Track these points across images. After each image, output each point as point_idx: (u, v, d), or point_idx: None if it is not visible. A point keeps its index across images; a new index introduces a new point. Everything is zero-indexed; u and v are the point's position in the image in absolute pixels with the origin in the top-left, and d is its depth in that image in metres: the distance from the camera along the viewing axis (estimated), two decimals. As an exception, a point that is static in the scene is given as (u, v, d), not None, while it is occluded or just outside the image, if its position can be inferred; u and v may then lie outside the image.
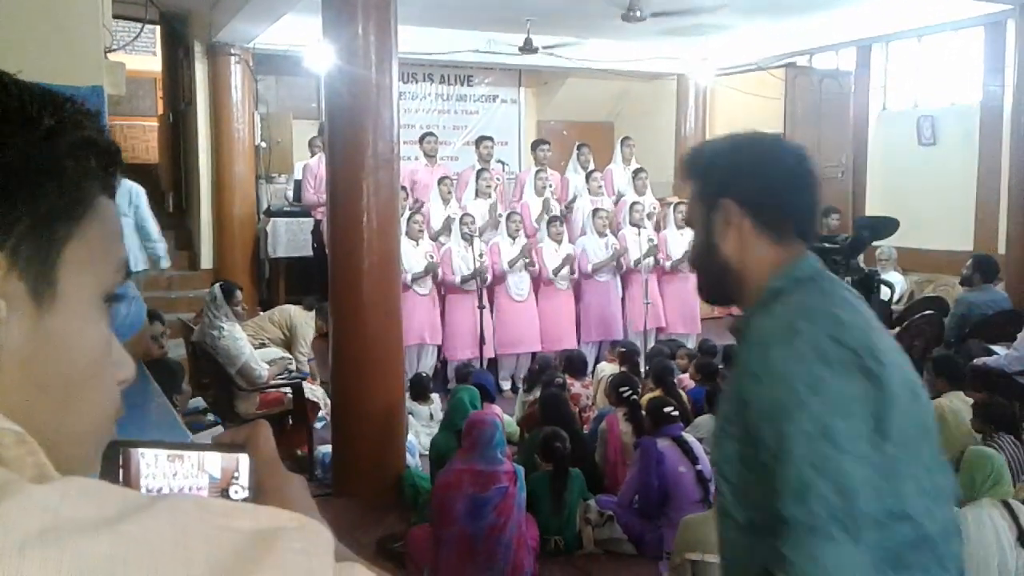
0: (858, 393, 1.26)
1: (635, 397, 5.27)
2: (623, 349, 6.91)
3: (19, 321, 0.52)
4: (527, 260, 7.68)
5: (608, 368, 6.72)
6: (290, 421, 5.81)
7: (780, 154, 1.55)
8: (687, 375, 6.44)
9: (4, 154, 0.51)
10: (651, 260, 8.13)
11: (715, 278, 1.51)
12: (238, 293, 5.72)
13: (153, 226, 6.85)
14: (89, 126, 0.56)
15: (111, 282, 0.59)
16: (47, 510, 0.42)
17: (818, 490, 1.21)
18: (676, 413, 4.78)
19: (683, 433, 4.72)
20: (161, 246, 6.92)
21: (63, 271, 0.54)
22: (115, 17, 4.36)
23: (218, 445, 0.73)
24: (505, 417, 5.36)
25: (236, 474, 0.71)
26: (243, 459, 0.71)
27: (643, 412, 4.90)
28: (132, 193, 6.65)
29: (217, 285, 5.85)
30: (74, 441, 0.57)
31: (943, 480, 1.36)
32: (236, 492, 0.71)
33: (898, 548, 1.27)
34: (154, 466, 0.71)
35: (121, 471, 0.70)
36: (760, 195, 1.47)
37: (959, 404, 4.98)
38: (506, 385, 7.73)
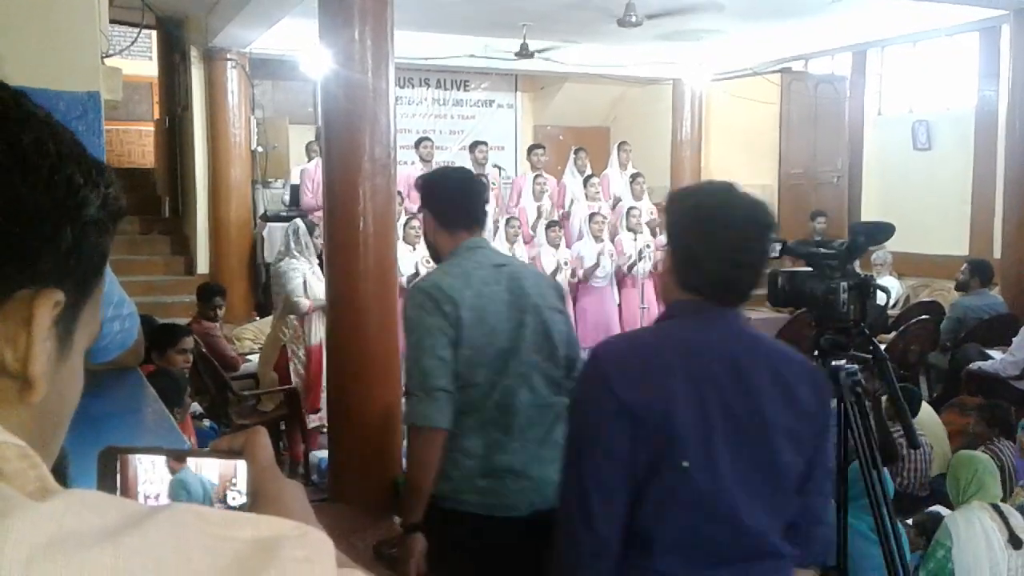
0: (439, 321, 2.35)
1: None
2: None
3: (49, 366, 0.56)
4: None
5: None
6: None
7: (449, 179, 2.72)
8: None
9: (81, 213, 0.55)
10: (647, 264, 8.14)
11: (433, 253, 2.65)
12: (319, 229, 6.20)
13: None
14: (117, 191, 0.60)
15: (94, 338, 0.63)
16: (51, 523, 0.42)
17: (414, 375, 2.37)
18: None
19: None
20: None
21: (78, 325, 0.59)
22: (111, 22, 4.37)
23: (215, 451, 0.73)
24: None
25: (233, 480, 0.71)
26: (240, 465, 0.71)
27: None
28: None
29: (299, 219, 6.48)
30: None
31: (515, 362, 2.42)
32: (234, 498, 0.71)
33: (472, 401, 2.38)
34: (151, 472, 0.71)
35: (119, 477, 0.70)
36: (439, 206, 2.58)
37: (929, 420, 5.19)
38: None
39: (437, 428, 2.32)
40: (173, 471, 0.71)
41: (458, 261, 2.49)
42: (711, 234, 1.68)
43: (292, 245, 6.04)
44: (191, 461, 0.72)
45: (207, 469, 0.72)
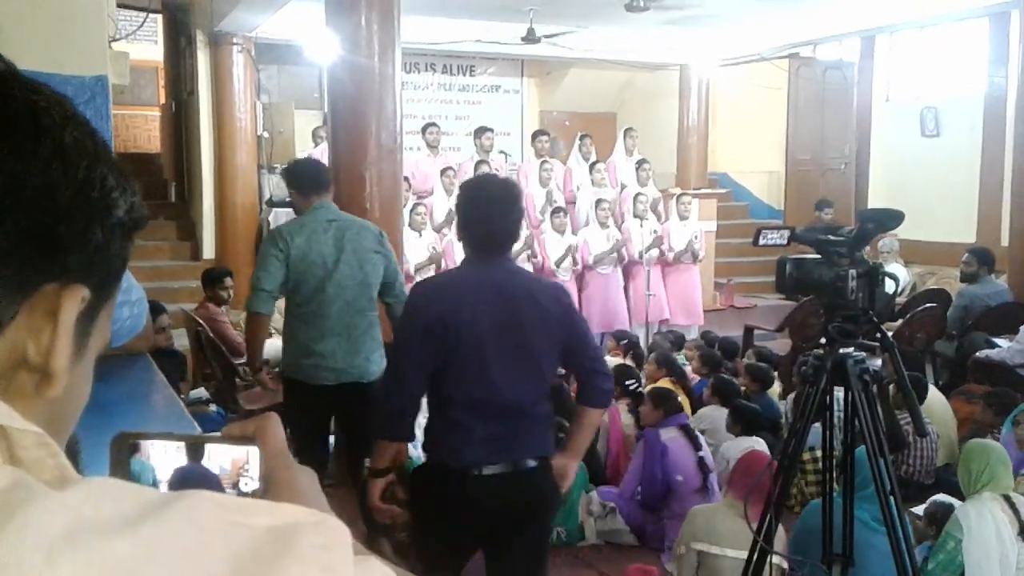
0: (274, 252, 3.67)
1: (640, 389, 5.29)
2: (627, 340, 6.91)
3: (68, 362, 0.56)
4: (530, 251, 7.67)
5: (613, 361, 6.70)
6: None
7: (303, 164, 4.22)
8: (691, 368, 6.43)
9: (112, 214, 0.57)
10: (654, 252, 8.13)
11: None
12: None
13: None
14: (140, 201, 0.61)
15: (106, 343, 0.63)
16: (71, 513, 0.43)
17: (253, 279, 3.72)
18: (679, 401, 4.83)
19: (687, 423, 4.74)
20: None
21: (95, 328, 0.59)
22: (118, 7, 4.36)
23: (227, 437, 0.73)
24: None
25: (246, 466, 0.71)
26: (252, 451, 0.71)
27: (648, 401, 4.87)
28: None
29: None
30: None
31: (330, 284, 3.69)
32: (246, 484, 0.71)
33: (300, 307, 3.76)
34: (163, 457, 0.71)
35: (131, 463, 0.70)
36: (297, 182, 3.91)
37: (938, 408, 5.21)
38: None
39: (256, 312, 3.76)
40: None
41: (303, 216, 3.84)
42: (472, 215, 2.64)
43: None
44: (144, 447, 0.72)
45: (155, 457, 0.71)
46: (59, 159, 0.53)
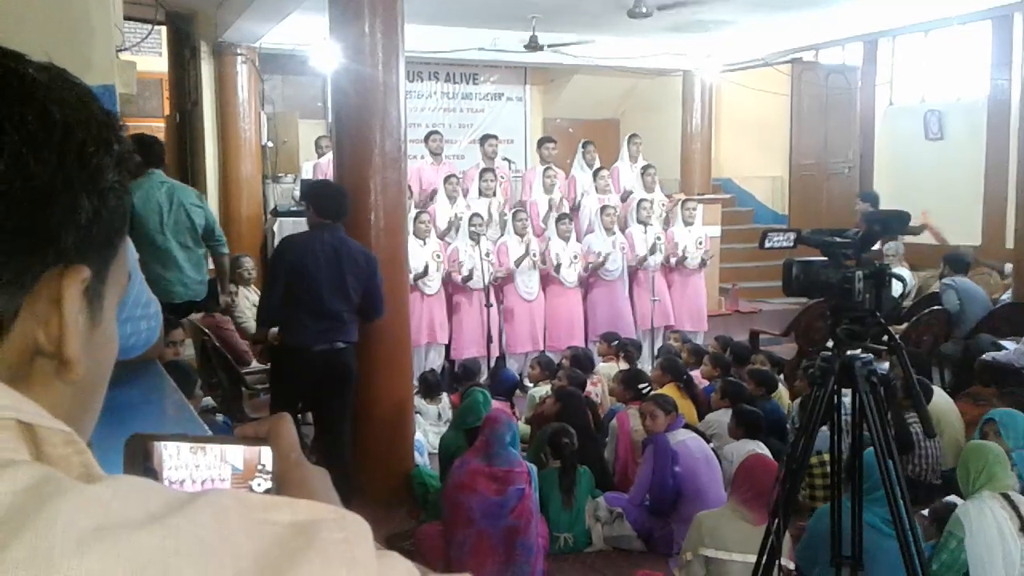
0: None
1: (653, 391, 5.32)
2: (616, 342, 6.93)
3: (83, 339, 0.55)
4: (535, 256, 7.68)
5: (605, 366, 6.70)
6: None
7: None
8: (699, 372, 6.42)
9: (98, 181, 0.54)
10: (658, 257, 8.12)
11: None
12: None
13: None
14: (126, 138, 0.58)
15: (125, 288, 0.62)
16: (99, 507, 0.43)
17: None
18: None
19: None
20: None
21: (107, 287, 0.58)
22: (124, 18, 4.40)
23: (240, 438, 0.73)
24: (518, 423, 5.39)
25: (259, 466, 0.71)
26: (265, 451, 0.71)
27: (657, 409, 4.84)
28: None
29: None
30: (85, 432, 0.60)
31: (168, 230, 5.22)
32: (259, 484, 0.71)
33: (145, 249, 4.88)
34: (176, 458, 0.71)
35: (144, 463, 0.70)
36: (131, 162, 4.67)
37: (946, 410, 5.23)
38: (514, 383, 7.72)
39: None
40: None
41: (138, 180, 4.91)
42: (326, 197, 4.52)
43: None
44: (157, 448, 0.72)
45: (232, 455, 0.72)
46: (28, 142, 0.50)
